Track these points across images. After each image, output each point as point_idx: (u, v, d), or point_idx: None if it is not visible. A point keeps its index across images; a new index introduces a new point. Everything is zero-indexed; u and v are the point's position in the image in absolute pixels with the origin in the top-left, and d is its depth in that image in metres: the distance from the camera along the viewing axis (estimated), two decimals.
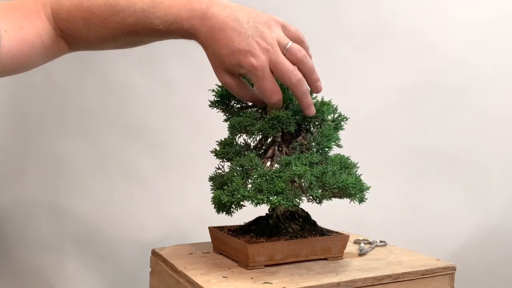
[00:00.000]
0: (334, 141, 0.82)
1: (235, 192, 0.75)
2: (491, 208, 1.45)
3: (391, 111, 1.47)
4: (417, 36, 1.44)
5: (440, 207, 1.45)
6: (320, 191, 0.76)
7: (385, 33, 1.45)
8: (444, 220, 1.44)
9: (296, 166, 0.75)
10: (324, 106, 0.82)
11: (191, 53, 1.51)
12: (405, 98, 1.45)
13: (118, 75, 1.46)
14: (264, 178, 0.75)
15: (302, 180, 0.76)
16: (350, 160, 0.81)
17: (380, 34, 1.45)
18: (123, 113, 1.46)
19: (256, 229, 0.87)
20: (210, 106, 0.91)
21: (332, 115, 0.86)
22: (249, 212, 0.85)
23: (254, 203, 0.74)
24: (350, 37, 1.47)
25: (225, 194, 0.76)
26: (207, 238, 0.95)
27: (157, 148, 1.46)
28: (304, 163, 0.76)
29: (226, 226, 0.94)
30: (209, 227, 0.94)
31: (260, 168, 0.77)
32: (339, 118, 0.86)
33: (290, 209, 0.86)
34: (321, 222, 0.93)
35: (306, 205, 0.84)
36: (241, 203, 0.78)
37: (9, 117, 1.46)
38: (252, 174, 0.77)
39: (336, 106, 0.87)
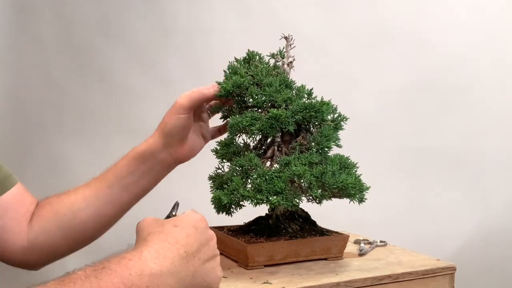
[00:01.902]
0: (334, 141, 0.81)
1: (235, 192, 0.75)
2: (491, 208, 1.44)
3: (391, 111, 1.47)
4: (417, 36, 1.44)
5: (440, 207, 1.45)
6: (319, 191, 0.76)
7: (385, 33, 1.45)
8: (444, 220, 1.44)
9: (295, 166, 0.74)
10: (323, 106, 0.82)
11: (191, 53, 1.52)
12: (405, 98, 1.45)
13: (118, 75, 1.46)
14: (264, 178, 0.75)
15: (302, 180, 0.76)
16: (350, 160, 0.81)
17: (380, 34, 1.45)
18: (123, 113, 1.46)
19: (256, 229, 0.87)
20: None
21: (332, 115, 0.85)
22: (250, 212, 0.85)
23: (253, 203, 0.74)
24: (350, 37, 1.47)
25: (224, 194, 0.76)
26: None
27: None
28: (303, 163, 0.76)
29: (226, 226, 0.94)
30: (209, 227, 0.94)
31: (260, 168, 0.77)
32: (339, 118, 0.85)
33: (290, 209, 0.86)
34: (321, 222, 0.93)
35: (306, 205, 0.84)
36: (241, 203, 0.78)
37: (9, 117, 1.46)
38: (252, 174, 0.77)
39: (336, 106, 0.86)
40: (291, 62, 0.89)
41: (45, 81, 1.46)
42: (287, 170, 0.75)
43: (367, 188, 0.79)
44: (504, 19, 1.43)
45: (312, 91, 0.87)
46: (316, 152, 0.80)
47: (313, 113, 0.81)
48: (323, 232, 0.88)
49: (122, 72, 1.46)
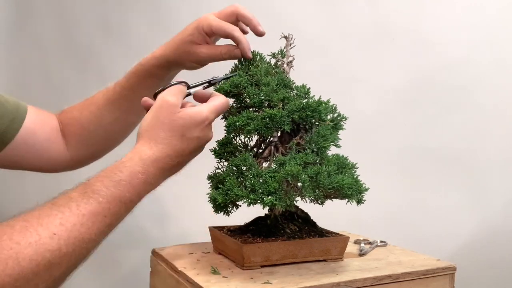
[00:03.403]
0: (332, 141, 0.81)
1: (229, 192, 0.75)
2: (491, 208, 1.44)
3: (391, 111, 1.47)
4: (417, 36, 1.44)
5: (440, 207, 1.45)
6: (315, 191, 0.75)
7: (385, 33, 1.45)
8: (444, 219, 1.44)
9: (290, 166, 0.74)
10: (320, 106, 0.82)
11: None
12: (405, 98, 1.45)
13: (118, 75, 1.45)
14: (259, 178, 0.75)
15: (296, 181, 0.75)
16: (348, 161, 0.81)
17: (380, 34, 1.45)
18: None
19: (253, 230, 0.87)
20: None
21: (331, 114, 0.85)
22: (253, 212, 0.85)
23: (247, 203, 0.74)
24: (350, 37, 1.47)
25: (219, 194, 0.76)
26: (207, 238, 0.95)
27: None
28: (298, 163, 0.75)
29: (226, 226, 0.94)
30: (209, 227, 0.94)
31: (255, 168, 0.77)
32: (338, 118, 0.85)
33: (289, 210, 0.86)
34: (322, 222, 0.93)
35: (308, 206, 0.84)
36: (237, 202, 0.78)
37: None
38: (247, 174, 0.77)
39: (335, 105, 0.86)
40: (290, 62, 0.89)
41: (45, 81, 1.46)
42: (282, 170, 0.74)
43: (366, 190, 0.78)
44: (504, 19, 1.43)
45: (310, 90, 0.87)
46: (313, 152, 0.79)
47: (309, 113, 0.81)
48: (323, 233, 0.88)
49: (122, 72, 1.45)
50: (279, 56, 0.90)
